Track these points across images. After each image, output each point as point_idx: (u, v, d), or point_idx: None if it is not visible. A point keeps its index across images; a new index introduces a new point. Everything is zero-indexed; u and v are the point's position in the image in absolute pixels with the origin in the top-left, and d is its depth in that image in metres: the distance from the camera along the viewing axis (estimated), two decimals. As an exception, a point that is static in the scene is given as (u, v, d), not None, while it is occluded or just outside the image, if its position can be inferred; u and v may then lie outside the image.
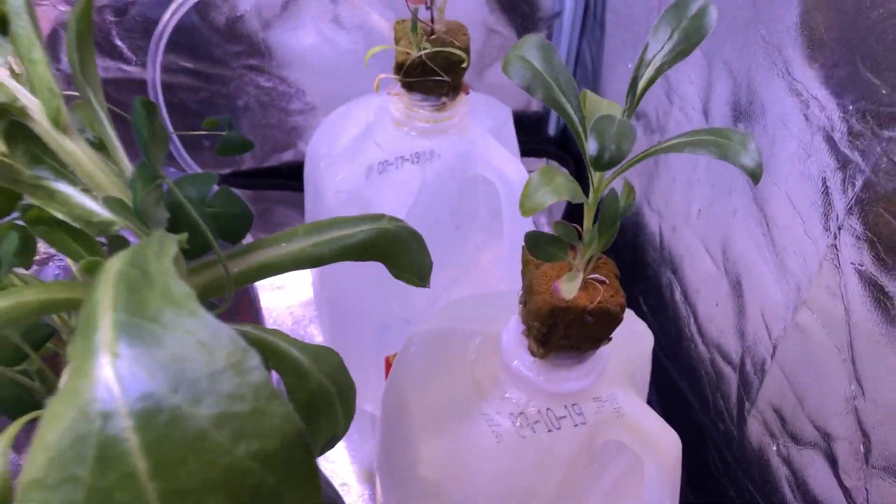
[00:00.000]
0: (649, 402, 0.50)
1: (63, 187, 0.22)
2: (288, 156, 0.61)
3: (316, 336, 0.60)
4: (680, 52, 0.26)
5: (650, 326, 0.48)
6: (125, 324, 0.15)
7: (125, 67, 0.51)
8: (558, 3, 0.56)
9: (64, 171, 0.22)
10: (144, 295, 0.15)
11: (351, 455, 0.54)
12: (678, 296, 0.46)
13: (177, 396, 0.14)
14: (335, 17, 0.54)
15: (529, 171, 0.64)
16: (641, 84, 0.26)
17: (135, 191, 0.21)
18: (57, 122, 0.21)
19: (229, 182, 0.59)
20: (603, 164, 0.23)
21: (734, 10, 0.37)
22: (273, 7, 0.52)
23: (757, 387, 0.38)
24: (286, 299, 0.62)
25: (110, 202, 0.20)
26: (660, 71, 0.26)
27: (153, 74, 0.41)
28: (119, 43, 0.50)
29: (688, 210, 0.43)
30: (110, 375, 0.14)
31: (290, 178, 0.60)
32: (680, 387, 0.46)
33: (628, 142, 0.23)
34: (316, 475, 0.14)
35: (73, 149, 0.21)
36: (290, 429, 0.14)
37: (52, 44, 0.51)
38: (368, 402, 0.52)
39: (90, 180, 0.21)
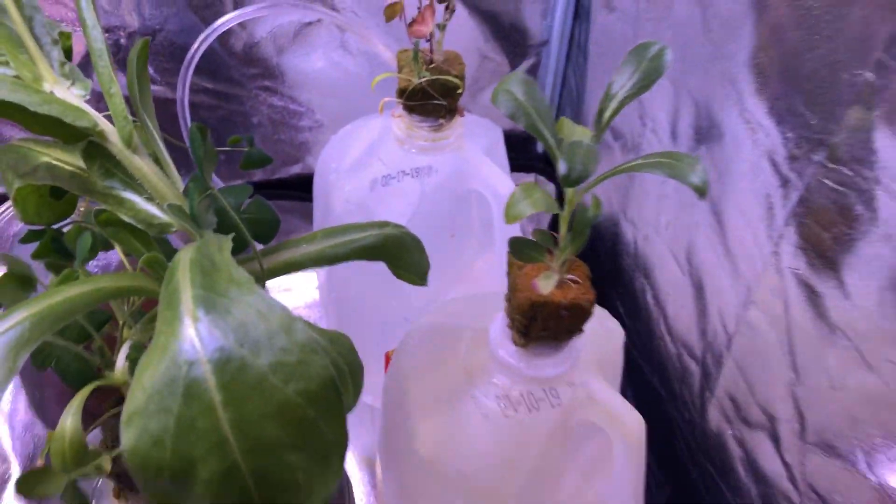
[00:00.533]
0: (625, 395, 0.55)
1: (131, 196, 0.27)
2: (296, 169, 0.66)
3: (321, 335, 0.65)
4: (641, 88, 0.31)
5: (626, 327, 0.53)
6: (202, 297, 0.19)
7: (152, 87, 0.56)
8: (546, 33, 0.61)
9: (132, 182, 0.27)
10: (214, 277, 0.20)
11: (352, 444, 0.58)
12: (650, 299, 0.51)
13: (243, 350, 0.19)
14: (343, 43, 0.59)
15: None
16: (607, 114, 0.31)
17: (191, 199, 0.26)
18: (129, 143, 0.26)
19: (243, 192, 0.64)
20: (571, 181, 0.28)
21: (697, 47, 0.42)
22: (287, 35, 0.57)
23: (715, 378, 0.43)
24: (293, 301, 0.67)
25: (173, 208, 0.25)
26: (623, 104, 0.31)
27: (182, 95, 0.46)
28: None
29: (658, 221, 0.48)
30: (193, 334, 0.19)
31: (299, 188, 0.65)
32: (652, 381, 0.51)
33: (593, 163, 0.28)
34: (342, 410, 0.19)
35: (141, 165, 0.26)
36: (326, 375, 0.19)
37: (84, 66, 0.56)
38: (369, 394, 0.57)
39: (154, 190, 0.26)
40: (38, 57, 0.26)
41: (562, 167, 0.28)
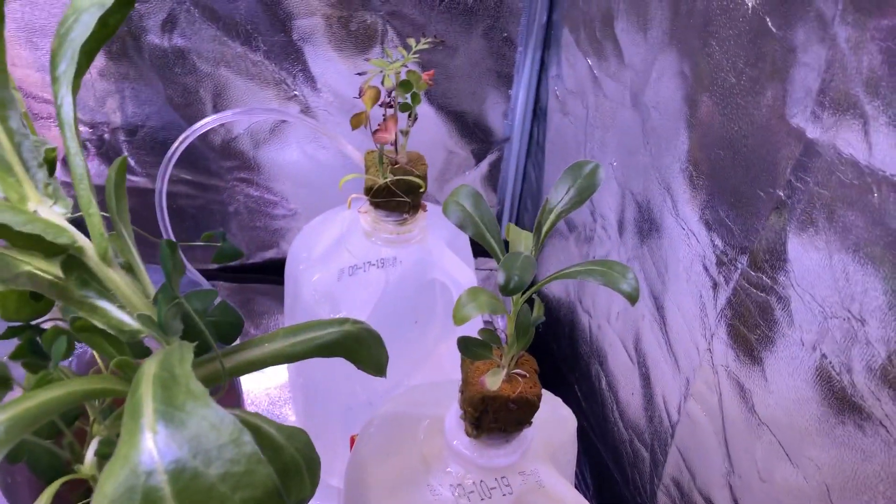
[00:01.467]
0: (583, 476, 0.57)
1: (104, 304, 0.29)
2: (271, 254, 0.68)
3: (290, 416, 0.67)
4: (575, 203, 0.34)
5: (583, 410, 0.55)
6: (161, 412, 0.22)
7: (132, 178, 0.59)
8: (507, 130, 0.65)
9: (105, 292, 0.29)
10: (173, 391, 0.23)
11: (319, 526, 0.59)
12: (604, 384, 0.53)
13: (196, 461, 0.21)
14: (316, 138, 0.62)
15: (486, 269, 0.72)
16: (545, 228, 0.34)
17: (159, 309, 0.28)
18: (104, 258, 0.28)
19: (218, 276, 0.67)
20: (509, 290, 0.31)
21: (638, 155, 0.46)
22: (263, 130, 0.60)
23: (662, 464, 0.45)
24: (264, 382, 0.69)
25: (142, 318, 0.27)
26: (560, 216, 0.34)
27: (161, 187, 0.49)
28: (129, 158, 0.58)
29: (609, 311, 0.51)
30: (152, 446, 0.21)
31: (272, 273, 0.68)
32: (607, 464, 0.53)
33: (529, 273, 0.31)
34: (286, 515, 0.21)
35: (115, 277, 0.29)
36: (271, 484, 0.21)
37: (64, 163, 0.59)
38: (335, 476, 0.58)
39: (125, 300, 0.29)
40: (24, 179, 0.29)
41: (500, 277, 0.31)
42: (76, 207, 0.31)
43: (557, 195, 0.34)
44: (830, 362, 0.31)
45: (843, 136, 0.29)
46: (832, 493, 0.31)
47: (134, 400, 0.23)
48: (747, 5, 0.34)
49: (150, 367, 0.24)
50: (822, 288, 0.31)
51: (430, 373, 0.59)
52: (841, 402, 0.30)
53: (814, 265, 0.32)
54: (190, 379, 0.23)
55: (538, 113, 0.63)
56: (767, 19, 0.33)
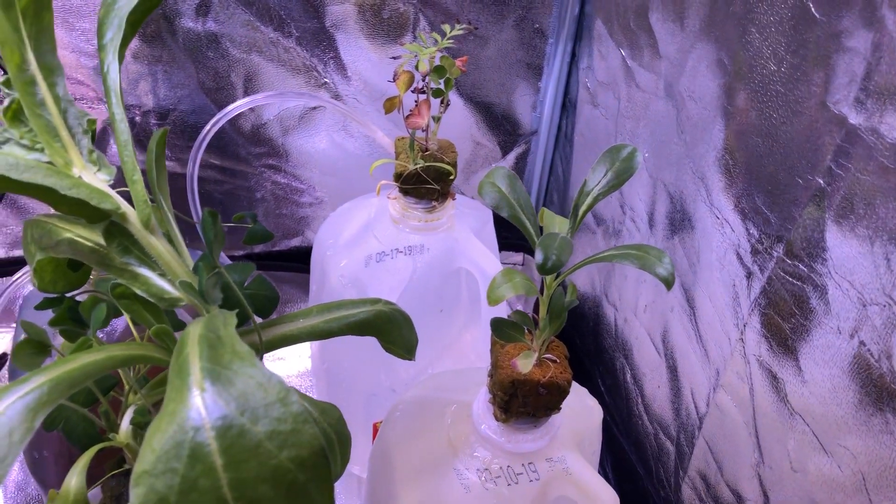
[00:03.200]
0: (605, 471, 0.57)
1: (145, 272, 0.29)
2: (296, 242, 0.68)
3: (311, 404, 0.67)
4: (613, 186, 0.34)
5: (606, 404, 0.55)
6: (208, 369, 0.22)
7: (162, 161, 0.60)
8: (535, 123, 0.65)
9: (147, 260, 0.29)
10: (219, 351, 0.23)
11: (338, 514, 0.60)
12: (629, 378, 0.53)
13: (243, 418, 0.21)
14: (345, 126, 0.62)
15: (510, 263, 0.72)
16: (582, 209, 0.34)
17: (200, 277, 0.28)
18: (146, 225, 0.29)
19: (243, 262, 0.67)
20: (546, 270, 0.31)
21: (671, 145, 0.46)
22: (293, 117, 0.60)
23: (688, 457, 0.45)
24: (286, 370, 0.69)
25: (184, 285, 0.28)
26: (596, 200, 0.34)
27: (192, 171, 0.49)
28: (159, 141, 0.58)
29: (636, 304, 0.51)
30: (200, 403, 0.21)
31: (297, 260, 0.68)
32: (630, 457, 0.53)
33: (566, 254, 0.31)
34: (330, 476, 0.21)
35: (156, 244, 0.29)
36: (317, 443, 0.21)
37: (100, 141, 0.59)
38: (356, 464, 0.58)
39: (167, 268, 0.29)
40: (70, 145, 0.29)
41: (538, 257, 0.31)
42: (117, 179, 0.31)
43: (595, 178, 0.34)
44: (869, 349, 0.31)
45: (887, 121, 0.29)
46: (868, 481, 0.31)
47: (180, 359, 0.23)
48: (790, -8, 0.34)
49: (195, 329, 0.24)
50: (862, 275, 0.31)
51: (454, 361, 0.59)
52: (879, 389, 0.30)
53: (853, 252, 0.31)
54: (235, 340, 0.23)
55: (567, 105, 0.63)
56: (811, 5, 0.33)
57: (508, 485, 0.39)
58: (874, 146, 0.30)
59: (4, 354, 0.55)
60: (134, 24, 0.30)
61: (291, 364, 0.70)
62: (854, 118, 0.31)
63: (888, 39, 0.29)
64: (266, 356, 0.66)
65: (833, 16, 0.32)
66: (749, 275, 0.38)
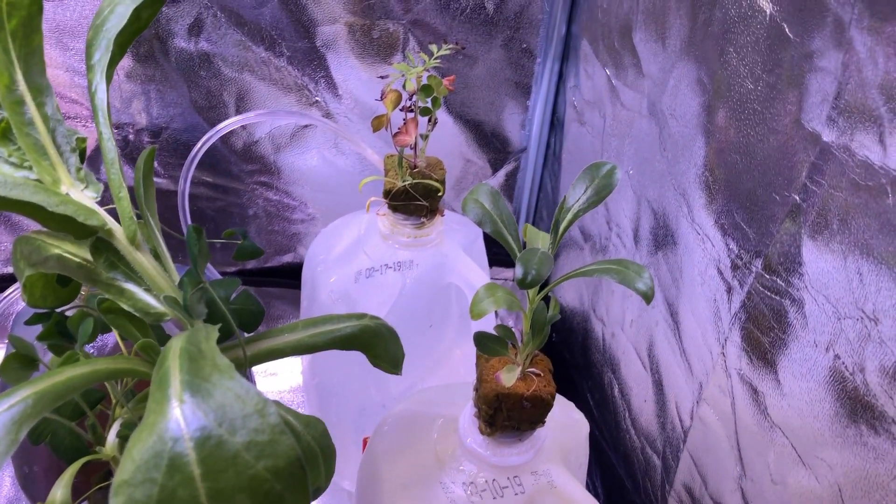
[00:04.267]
0: (594, 485, 0.57)
1: (131, 287, 0.30)
2: (288, 258, 0.69)
3: (303, 419, 0.67)
4: (593, 203, 0.35)
5: (595, 419, 0.55)
6: (188, 382, 0.22)
7: (155, 179, 0.60)
8: (524, 141, 0.66)
9: (133, 275, 0.30)
10: (200, 363, 0.23)
11: (329, 529, 0.60)
12: (616, 392, 0.53)
13: (221, 429, 0.21)
14: (336, 143, 0.63)
15: (500, 279, 0.72)
16: (563, 225, 0.34)
17: (185, 292, 0.29)
18: (132, 241, 0.29)
19: (235, 279, 0.67)
20: (525, 284, 0.31)
21: (654, 162, 0.46)
22: (284, 135, 0.61)
23: (674, 470, 0.45)
24: (278, 385, 0.69)
25: (168, 300, 0.28)
26: (577, 216, 0.35)
27: (183, 188, 0.50)
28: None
29: (623, 319, 0.52)
30: (179, 414, 0.22)
31: (289, 276, 0.68)
32: (618, 471, 0.53)
33: (546, 269, 0.31)
34: (307, 485, 0.22)
35: (142, 260, 0.29)
36: (293, 454, 0.21)
37: (91, 160, 0.60)
38: (346, 478, 0.58)
39: (152, 283, 0.30)
40: (57, 163, 0.30)
41: (518, 271, 0.31)
42: (104, 196, 0.32)
43: (575, 195, 0.35)
44: (843, 363, 0.31)
45: (857, 139, 0.30)
46: (844, 493, 0.31)
47: (161, 371, 0.23)
48: (766, 13, 0.35)
49: (177, 342, 0.25)
50: (836, 289, 0.32)
51: (444, 377, 0.59)
52: (854, 401, 0.31)
53: (828, 267, 0.32)
54: (216, 354, 0.24)
55: (555, 123, 0.64)
56: (785, 26, 0.34)
57: (494, 498, 0.39)
58: (846, 163, 0.31)
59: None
60: (122, 45, 0.31)
61: (283, 379, 0.70)
62: (827, 136, 0.32)
63: (856, 59, 0.29)
64: (258, 372, 0.67)
65: (806, 36, 0.33)
66: (729, 289, 0.39)
